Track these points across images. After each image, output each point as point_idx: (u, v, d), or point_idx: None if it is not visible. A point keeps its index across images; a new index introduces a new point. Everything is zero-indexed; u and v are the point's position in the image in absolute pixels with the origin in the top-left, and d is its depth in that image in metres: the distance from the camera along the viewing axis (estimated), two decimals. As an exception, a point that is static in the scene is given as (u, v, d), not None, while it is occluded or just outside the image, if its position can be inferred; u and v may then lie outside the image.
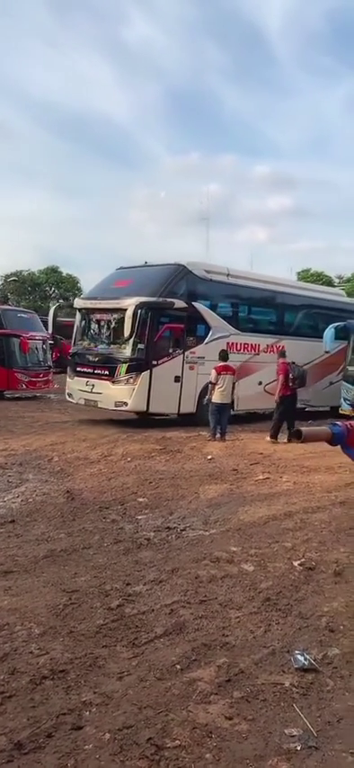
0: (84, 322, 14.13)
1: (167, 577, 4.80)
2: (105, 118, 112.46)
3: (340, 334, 15.14)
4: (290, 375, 11.50)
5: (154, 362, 12.48)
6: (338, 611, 4.21)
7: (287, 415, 11.49)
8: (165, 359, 12.70)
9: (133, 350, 12.37)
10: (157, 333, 12.63)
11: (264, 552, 5.34)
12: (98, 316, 13.67)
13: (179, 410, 13.08)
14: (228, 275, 14.66)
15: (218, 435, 11.57)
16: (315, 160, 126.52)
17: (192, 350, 13.18)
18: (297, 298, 16.58)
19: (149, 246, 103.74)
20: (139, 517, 6.57)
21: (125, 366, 12.43)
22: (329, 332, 15.22)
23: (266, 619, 4.09)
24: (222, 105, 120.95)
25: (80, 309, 14.38)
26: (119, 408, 12.73)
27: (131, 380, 12.34)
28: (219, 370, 11.81)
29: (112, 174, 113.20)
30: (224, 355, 12.35)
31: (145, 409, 12.66)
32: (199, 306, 13.43)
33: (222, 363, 12.02)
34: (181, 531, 6.06)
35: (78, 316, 14.39)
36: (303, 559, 5.15)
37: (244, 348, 14.34)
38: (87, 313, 14.05)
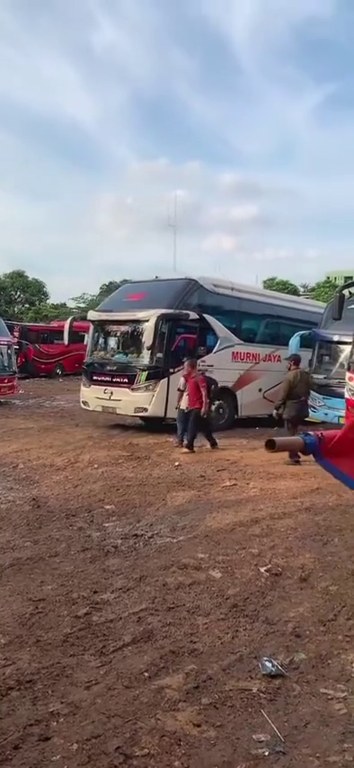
0: (97, 334, 14.92)
1: (135, 585, 4.79)
2: (72, 121, 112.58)
3: (306, 342, 15.42)
4: (213, 387, 11.67)
5: (171, 370, 13.00)
6: (304, 616, 4.27)
7: (205, 426, 11.59)
8: (181, 367, 12.98)
9: (152, 358, 13.00)
10: (174, 342, 13.34)
11: (231, 559, 5.38)
12: (115, 327, 14.43)
13: None
14: (232, 289, 15.44)
15: (185, 442, 11.58)
16: (280, 169, 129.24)
17: (203, 358, 13.81)
18: (293, 311, 17.36)
19: (116, 251, 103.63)
20: (106, 525, 6.53)
21: (145, 374, 12.98)
22: (294, 340, 15.45)
23: (233, 625, 4.11)
24: (188, 112, 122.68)
25: (94, 322, 14.95)
26: (138, 414, 13.30)
27: (151, 387, 12.90)
28: (187, 378, 11.84)
29: (79, 177, 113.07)
30: (193, 362, 12.39)
31: (163, 415, 13.16)
32: (209, 317, 14.12)
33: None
34: (149, 538, 6.05)
35: (91, 328, 15.06)
36: (269, 565, 5.20)
37: (246, 357, 15.03)
38: (101, 325, 14.78)
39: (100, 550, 5.65)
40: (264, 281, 56.87)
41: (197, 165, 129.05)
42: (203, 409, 11.22)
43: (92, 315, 15.22)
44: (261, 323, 16.41)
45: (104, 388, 13.70)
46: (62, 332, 33.16)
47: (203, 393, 11.20)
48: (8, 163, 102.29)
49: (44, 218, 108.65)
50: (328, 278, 77.97)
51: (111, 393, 13.47)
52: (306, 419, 14.06)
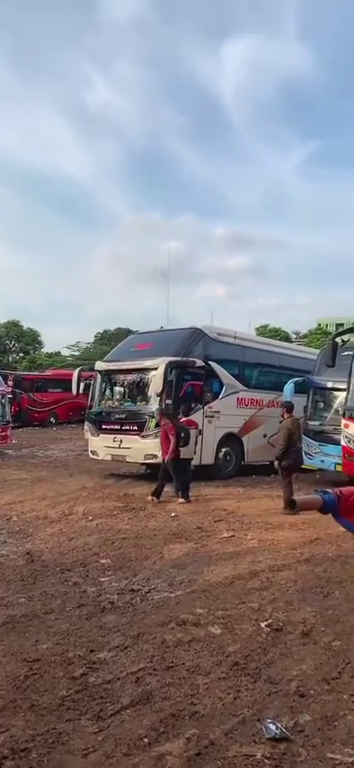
0: (104, 384, 15.17)
1: (132, 643, 4.65)
2: (67, 176, 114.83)
3: (300, 389, 15.47)
4: (182, 434, 11.39)
5: (180, 416, 12.96)
6: (307, 674, 4.14)
7: (167, 475, 11.29)
8: (191, 413, 13.21)
9: (161, 405, 13.05)
10: (182, 389, 13.66)
11: (231, 614, 5.25)
12: (123, 376, 14.74)
13: (200, 461, 13.68)
14: (235, 337, 15.92)
15: (181, 492, 11.46)
16: (271, 221, 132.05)
17: (210, 404, 14.19)
18: (293, 358, 17.74)
19: (110, 301, 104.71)
20: (102, 579, 6.39)
21: (154, 420, 13.00)
22: (288, 386, 15.51)
23: (235, 685, 3.98)
24: (180, 167, 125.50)
25: (101, 372, 15.18)
26: (148, 461, 13.33)
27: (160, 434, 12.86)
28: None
29: (74, 230, 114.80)
30: (186, 410, 12.40)
31: None
32: (214, 365, 14.48)
33: (184, 418, 12.02)
34: (146, 593, 5.91)
35: (98, 378, 15.25)
36: (270, 620, 5.08)
37: (251, 403, 15.34)
38: (108, 375, 15.08)
39: (96, 606, 5.51)
40: (257, 329, 57.35)
41: (189, 217, 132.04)
42: (166, 457, 10.98)
43: (99, 365, 15.44)
44: (263, 370, 16.71)
45: (113, 436, 13.87)
46: (56, 380, 33.47)
47: (172, 442, 11.00)
48: (5, 215, 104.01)
49: (40, 269, 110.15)
50: (319, 325, 78.86)
51: (121, 441, 13.59)
52: (302, 466, 14.04)
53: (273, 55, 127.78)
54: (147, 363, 13.68)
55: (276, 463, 10.61)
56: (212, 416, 14.15)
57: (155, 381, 13.14)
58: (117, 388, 14.93)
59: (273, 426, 14.08)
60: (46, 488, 12.21)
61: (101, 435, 14.33)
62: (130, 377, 14.51)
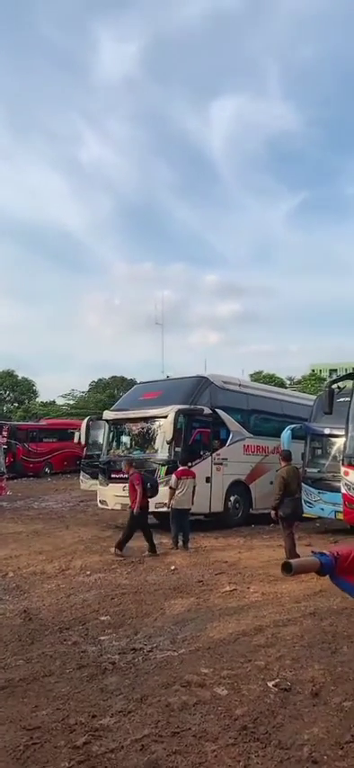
0: (112, 433, 15.20)
1: (136, 707, 4.48)
2: (60, 228, 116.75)
3: (297, 436, 15.40)
4: (148, 484, 11.11)
5: (189, 465, 13.01)
6: (319, 737, 3.98)
7: (144, 528, 11.02)
8: (198, 461, 13.55)
9: (171, 453, 13.24)
10: (191, 437, 13.74)
11: (237, 673, 5.08)
12: (132, 425, 14.79)
13: (209, 509, 13.84)
14: (240, 385, 16.40)
15: (180, 544, 11.28)
16: (261, 269, 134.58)
17: (218, 452, 14.29)
18: (296, 406, 17.83)
19: (104, 349, 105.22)
20: (102, 638, 6.20)
21: (164, 468, 13.16)
22: (286, 433, 15.44)
23: (244, 751, 3.81)
24: (172, 218, 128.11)
25: (109, 421, 15.24)
26: (159, 510, 12.98)
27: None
28: (179, 475, 11.66)
29: (68, 280, 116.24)
30: (184, 459, 12.31)
31: None
32: (221, 412, 14.62)
33: (182, 467, 11.92)
34: (148, 652, 5.73)
35: (107, 427, 15.34)
36: (277, 679, 4.91)
37: (257, 450, 15.43)
38: (116, 424, 15.11)
39: (97, 668, 5.32)
40: (251, 375, 57.68)
41: (181, 266, 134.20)
42: (135, 508, 10.67)
43: (108, 414, 15.53)
44: (267, 417, 16.78)
45: (123, 485, 13.52)
46: (51, 430, 33.28)
47: (138, 491, 10.67)
48: (0, 267, 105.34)
49: (35, 319, 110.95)
50: (313, 371, 79.49)
51: None
52: (303, 515, 13.88)
53: (259, 112, 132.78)
54: (156, 412, 13.80)
55: (272, 513, 10.34)
56: (220, 464, 14.24)
57: (165, 429, 13.24)
58: (126, 437, 15.02)
59: None
60: (42, 542, 11.99)
61: (111, 484, 14.26)
62: (139, 425, 14.59)
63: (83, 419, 32.39)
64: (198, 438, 13.99)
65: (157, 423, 13.85)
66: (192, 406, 13.77)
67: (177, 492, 11.51)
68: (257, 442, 15.66)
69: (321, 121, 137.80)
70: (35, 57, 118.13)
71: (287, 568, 2.30)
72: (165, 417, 13.25)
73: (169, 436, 13.13)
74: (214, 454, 14.12)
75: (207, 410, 14.05)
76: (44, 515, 16.74)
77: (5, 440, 26.12)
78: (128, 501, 12.84)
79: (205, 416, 14.03)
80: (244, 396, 16.03)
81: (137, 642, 6.02)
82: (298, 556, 9.37)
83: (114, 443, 15.21)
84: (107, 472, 14.66)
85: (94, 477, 19.65)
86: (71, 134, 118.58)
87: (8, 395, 65.18)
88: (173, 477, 11.73)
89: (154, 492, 11.28)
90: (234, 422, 14.99)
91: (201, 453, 13.78)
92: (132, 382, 68.22)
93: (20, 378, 65.36)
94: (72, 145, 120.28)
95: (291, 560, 2.32)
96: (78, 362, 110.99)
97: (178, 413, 13.20)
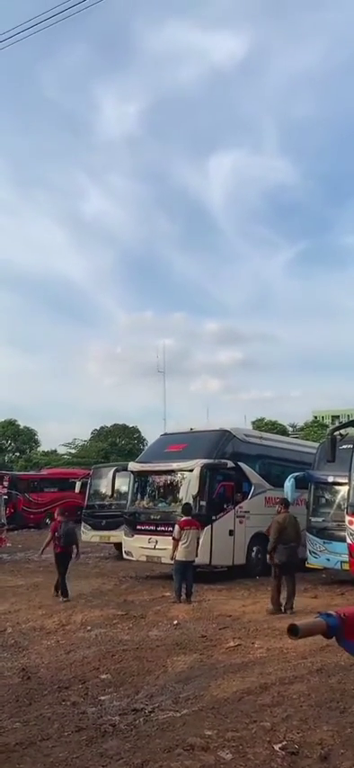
0: (137, 484, 15.25)
1: (137, 773, 4.29)
2: (62, 279, 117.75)
3: (301, 484, 15.21)
4: (56, 534, 11.58)
5: (214, 517, 13.42)
6: None
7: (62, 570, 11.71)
8: (221, 514, 13.75)
9: (196, 506, 13.14)
10: (215, 491, 13.85)
11: (242, 735, 4.87)
12: (156, 477, 14.88)
13: (233, 561, 13.89)
14: (261, 438, 16.92)
15: (183, 597, 11.03)
16: (260, 317, 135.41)
17: (240, 504, 14.32)
18: (313, 456, 17.55)
19: (106, 397, 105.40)
20: (103, 698, 5.99)
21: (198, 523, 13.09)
22: (289, 482, 15.20)
23: None
24: (172, 269, 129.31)
25: (135, 473, 15.32)
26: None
27: None
28: (183, 525, 11.47)
29: (70, 330, 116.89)
30: (187, 509, 12.14)
31: (208, 562, 13.32)
32: (244, 465, 14.73)
33: (185, 518, 11.75)
34: (150, 712, 5.52)
35: (132, 478, 15.42)
36: (284, 742, 4.71)
37: (276, 502, 14.95)
38: (140, 475, 15.19)
39: (96, 730, 5.12)
40: (253, 422, 57.41)
41: (181, 315, 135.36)
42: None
43: (133, 466, 15.57)
44: (287, 469, 16.43)
45: (149, 537, 13.93)
46: (52, 480, 33.07)
47: (48, 537, 11.87)
48: (2, 317, 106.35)
49: (36, 368, 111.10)
50: (315, 417, 79.35)
51: (156, 542, 13.53)
52: (308, 565, 13.62)
53: (256, 166, 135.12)
54: (182, 465, 13.99)
55: (268, 557, 10.55)
56: (243, 516, 14.27)
57: (191, 483, 13.48)
58: (151, 489, 15.06)
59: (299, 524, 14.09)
60: (42, 596, 11.73)
61: (136, 536, 14.38)
62: (165, 478, 14.74)
63: (85, 468, 32.32)
64: (221, 491, 14.15)
65: (183, 476, 14.08)
66: (217, 461, 13.99)
67: (181, 543, 11.30)
68: (277, 493, 15.19)
69: (316, 174, 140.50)
70: (39, 117, 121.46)
71: (293, 631, 2.22)
72: (191, 471, 13.56)
73: (194, 490, 13.35)
74: (237, 507, 14.23)
75: (230, 464, 14.25)
76: (44, 568, 16.37)
77: (6, 490, 25.88)
78: (154, 553, 13.72)
79: (228, 470, 14.23)
80: (265, 448, 16.23)
81: (139, 702, 5.81)
82: (280, 604, 10.00)
83: (139, 495, 15.24)
84: (132, 524, 14.74)
85: (96, 527, 19.47)
86: (74, 189, 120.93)
87: (10, 444, 64.98)
88: (177, 527, 11.54)
89: (69, 541, 11.71)
90: (255, 474, 15.14)
91: (225, 507, 13.95)
92: (134, 430, 68.18)
93: (22, 427, 65.22)
94: (75, 199, 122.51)
95: (297, 623, 2.25)
96: (80, 411, 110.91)
97: (204, 467, 13.47)
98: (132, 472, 15.46)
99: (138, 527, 14.42)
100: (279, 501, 11.78)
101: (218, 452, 14.28)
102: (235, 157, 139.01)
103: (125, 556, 14.91)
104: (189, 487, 13.62)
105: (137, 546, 14.21)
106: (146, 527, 14.11)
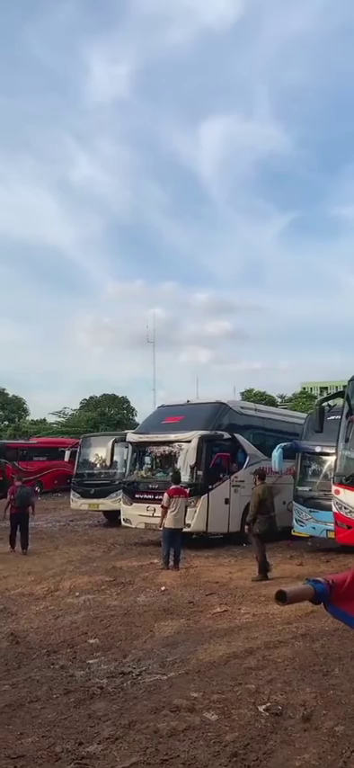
0: (136, 454, 15.70)
1: (124, 733, 4.38)
2: (50, 247, 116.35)
3: (288, 454, 15.35)
4: (12, 497, 13.53)
5: (210, 487, 13.89)
6: (311, 764, 3.90)
7: (20, 529, 13.54)
8: (217, 483, 14.17)
9: (192, 476, 13.75)
10: (212, 461, 14.26)
11: (227, 697, 4.98)
12: (154, 448, 15.33)
13: (228, 529, 14.33)
14: (256, 410, 17.27)
15: (171, 563, 11.16)
16: (250, 288, 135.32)
17: (236, 475, 14.72)
18: None
19: (95, 367, 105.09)
20: (90, 661, 6.09)
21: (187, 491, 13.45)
22: (277, 452, 15.34)
23: (235, 779, 3.73)
24: (162, 238, 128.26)
25: (133, 443, 15.76)
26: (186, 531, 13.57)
27: (193, 504, 13.29)
28: (172, 493, 11.57)
29: (58, 299, 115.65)
30: (176, 477, 12.24)
31: (204, 529, 13.87)
32: (239, 437, 15.17)
33: (174, 486, 11.83)
34: (137, 675, 5.62)
35: (130, 449, 15.93)
36: (268, 704, 4.82)
37: (271, 472, 15.42)
38: (139, 446, 15.62)
39: (84, 692, 5.21)
40: (242, 393, 57.55)
41: (171, 285, 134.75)
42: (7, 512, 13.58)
43: (131, 437, 16.04)
44: (280, 440, 16.76)
45: (147, 505, 14.36)
46: (41, 448, 33.05)
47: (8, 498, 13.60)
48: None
49: (24, 338, 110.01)
50: (304, 389, 79.68)
51: (154, 510, 13.74)
52: (294, 533, 13.82)
53: (248, 133, 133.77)
54: (180, 436, 14.42)
55: (246, 528, 10.92)
56: (238, 486, 14.60)
57: (189, 454, 14.01)
58: (149, 459, 15.50)
59: (291, 493, 14.58)
60: (30, 562, 11.82)
61: (135, 504, 14.79)
62: (163, 448, 15.13)
63: (74, 437, 32.31)
64: (218, 462, 14.52)
65: (180, 447, 14.49)
66: (213, 432, 14.40)
67: (169, 511, 11.41)
68: (271, 463, 15.81)
69: (309, 142, 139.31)
70: (24, 77, 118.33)
71: (281, 597, 2.25)
72: (189, 442, 14.04)
73: (192, 461, 13.85)
74: (232, 477, 14.59)
75: (226, 435, 14.65)
76: (33, 535, 16.43)
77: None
78: (152, 521, 14.03)
79: (224, 441, 14.63)
80: (260, 419, 16.60)
81: (126, 666, 5.91)
82: (268, 567, 10.26)
83: (137, 465, 15.67)
84: (131, 492, 15.13)
85: (85, 496, 19.58)
86: (61, 155, 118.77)
87: (-2, 413, 64.73)
88: (166, 495, 11.64)
89: (21, 503, 13.45)
90: (251, 445, 15.51)
91: (221, 476, 14.33)
92: (123, 400, 68.13)
93: (10, 396, 64.90)
94: (62, 165, 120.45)
95: (285, 589, 2.27)
96: (69, 380, 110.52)
97: (201, 439, 13.93)
98: (130, 443, 15.84)
99: (137, 495, 14.81)
100: (255, 472, 12.03)
101: (215, 424, 14.64)
102: (227, 124, 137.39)
103: (123, 523, 15.24)
104: (186, 458, 14.09)
105: (136, 514, 14.58)
106: (145, 495, 14.51)
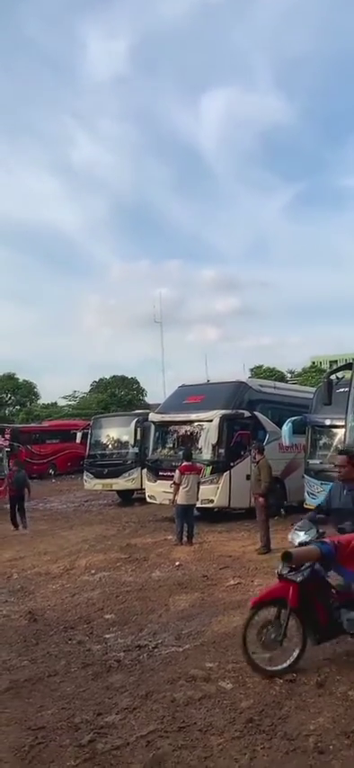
0: (158, 433, 16.28)
1: (141, 703, 4.48)
2: (55, 230, 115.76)
3: (298, 428, 15.39)
4: (10, 480, 14.79)
5: (232, 464, 14.33)
6: (325, 728, 3.97)
7: (18, 509, 14.44)
8: (238, 460, 14.56)
9: (214, 453, 14.38)
10: (233, 439, 14.72)
11: (242, 666, 5.06)
12: (177, 427, 15.86)
13: (249, 504, 14.26)
14: (275, 387, 17.97)
15: (185, 539, 11.28)
16: (257, 263, 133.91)
17: None
18: None
19: (104, 349, 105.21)
20: (107, 636, 6.21)
21: (209, 468, 14.13)
22: (287, 427, 15.37)
23: (250, 743, 3.81)
24: (166, 216, 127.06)
25: (155, 423, 16.34)
26: (204, 506, 13.89)
27: (215, 480, 14.06)
28: (183, 470, 11.65)
29: (65, 282, 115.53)
30: (188, 454, 12.31)
31: (227, 505, 14.35)
32: (259, 414, 15.58)
33: (186, 463, 11.91)
34: (153, 648, 5.74)
35: (152, 428, 16.54)
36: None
37: (290, 448, 15.79)
38: (161, 426, 16.18)
39: (102, 666, 5.33)
40: (251, 369, 57.34)
41: (177, 263, 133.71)
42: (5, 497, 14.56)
43: (153, 417, 16.66)
44: (298, 415, 16.88)
45: (170, 482, 14.30)
46: (54, 431, 33.30)
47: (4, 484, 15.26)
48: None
49: (32, 322, 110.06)
50: (313, 363, 79.24)
51: None
52: (306, 506, 13.86)
53: (250, 105, 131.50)
54: (202, 416, 14.87)
55: (261, 500, 10.85)
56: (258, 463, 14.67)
57: (211, 433, 14.47)
58: (172, 438, 16.01)
59: None
60: (46, 543, 12.00)
61: (159, 481, 15.21)
62: (185, 427, 15.68)
63: (85, 419, 32.50)
64: (239, 440, 14.85)
65: (202, 426, 14.90)
66: (234, 411, 14.83)
67: (181, 488, 11.49)
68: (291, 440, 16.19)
69: (313, 112, 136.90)
70: (20, 58, 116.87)
71: (287, 558, 2.30)
72: (210, 421, 14.46)
73: (214, 439, 14.33)
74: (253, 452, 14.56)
75: (247, 413, 15.01)
76: (48, 516, 16.76)
77: (8, 443, 26.08)
78: None
79: (245, 419, 14.99)
80: (279, 396, 16.99)
81: (142, 639, 6.02)
82: (269, 541, 10.31)
83: (160, 443, 16.17)
84: (154, 470, 15.66)
85: (98, 476, 19.77)
86: (61, 134, 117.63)
87: (10, 398, 65.09)
88: (177, 472, 11.72)
89: (17, 486, 14.33)
90: (270, 422, 15.76)
91: (241, 453, 14.60)
92: (133, 381, 68.28)
93: (21, 380, 65.24)
94: (63, 145, 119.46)
95: (292, 550, 2.32)
96: (78, 363, 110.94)
97: (223, 418, 14.39)
98: (153, 422, 16.42)
99: (161, 473, 15.23)
100: (255, 446, 12.22)
101: (235, 403, 15.07)
102: (228, 96, 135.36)
103: (148, 499, 15.86)
104: (208, 436, 14.55)
105: (160, 490, 14.88)
106: (168, 473, 14.52)
